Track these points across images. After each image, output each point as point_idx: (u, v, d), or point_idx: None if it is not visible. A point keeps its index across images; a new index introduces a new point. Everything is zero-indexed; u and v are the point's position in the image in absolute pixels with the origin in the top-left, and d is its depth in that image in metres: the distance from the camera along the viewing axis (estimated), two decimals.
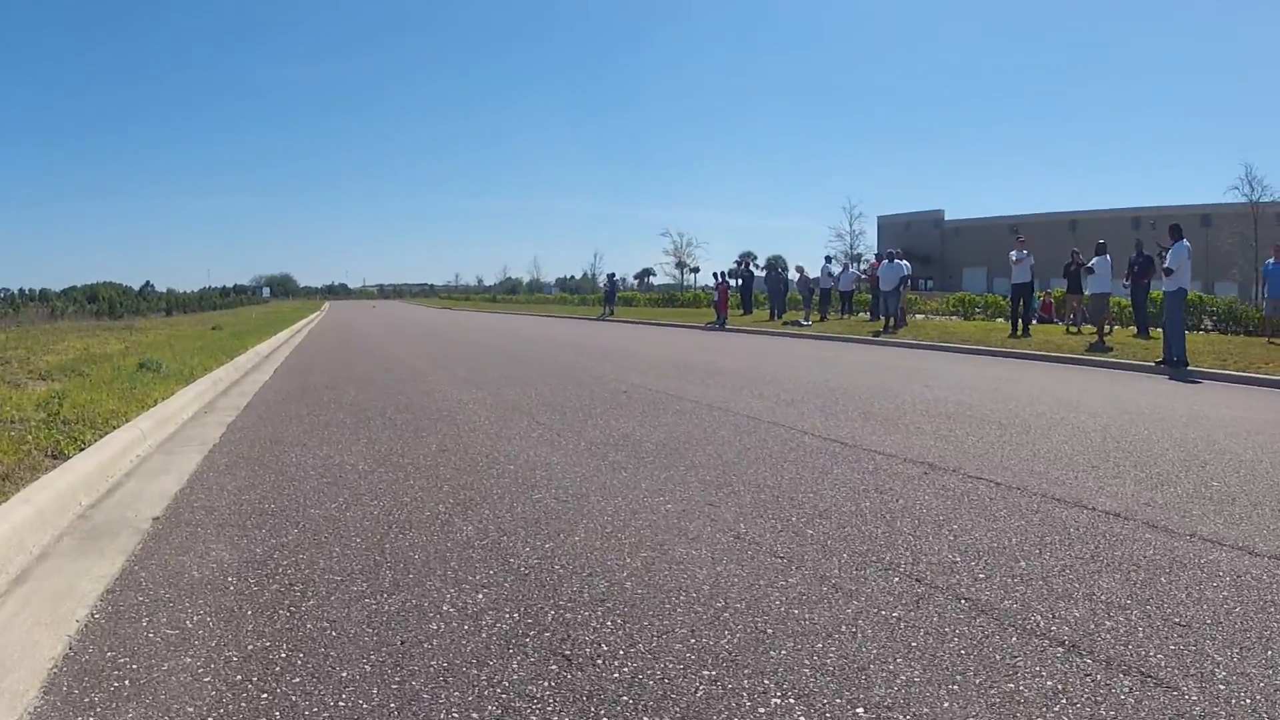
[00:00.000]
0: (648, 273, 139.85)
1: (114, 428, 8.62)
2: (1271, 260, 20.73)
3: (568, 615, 4.32)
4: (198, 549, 5.50)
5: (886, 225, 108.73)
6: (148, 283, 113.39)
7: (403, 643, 4.03)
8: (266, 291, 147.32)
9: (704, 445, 8.70)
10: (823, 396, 12.23)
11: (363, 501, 6.63)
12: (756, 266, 45.84)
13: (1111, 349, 18.86)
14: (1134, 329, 22.12)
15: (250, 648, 3.99)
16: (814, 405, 11.37)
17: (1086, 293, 22.54)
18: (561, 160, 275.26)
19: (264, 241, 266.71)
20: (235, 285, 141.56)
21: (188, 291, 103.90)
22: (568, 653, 3.88)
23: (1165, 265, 16.46)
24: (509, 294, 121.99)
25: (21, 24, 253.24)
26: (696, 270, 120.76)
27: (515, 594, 4.64)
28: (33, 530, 5.45)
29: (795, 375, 15.40)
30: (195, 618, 4.36)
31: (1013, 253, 23.95)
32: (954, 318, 34.15)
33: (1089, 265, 21.83)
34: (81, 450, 7.32)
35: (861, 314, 35.60)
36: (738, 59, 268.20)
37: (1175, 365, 15.94)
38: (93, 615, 4.43)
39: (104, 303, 63.60)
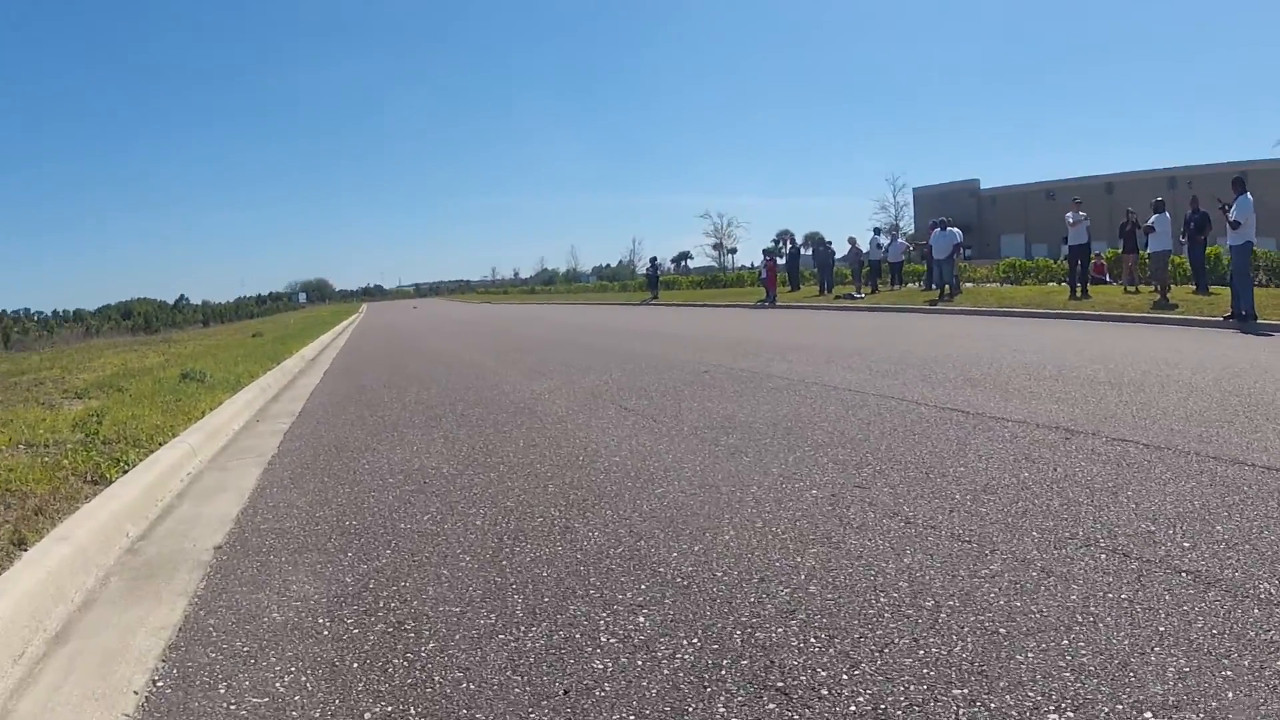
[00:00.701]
0: (685, 255, 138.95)
1: (160, 444, 7.74)
2: None
3: (759, 635, 3.45)
4: (275, 583, 4.54)
5: (922, 196, 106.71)
6: (182, 296, 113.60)
7: (566, 692, 3.11)
8: (303, 297, 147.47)
9: (819, 423, 7.82)
10: (915, 366, 11.45)
11: (459, 511, 5.67)
12: (792, 244, 44.68)
13: (1176, 306, 18.44)
14: (1193, 286, 21.34)
15: (368, 716, 3.01)
16: (912, 375, 10.60)
17: (1146, 251, 21.84)
18: (592, 154, 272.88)
19: (297, 247, 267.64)
20: (271, 292, 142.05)
21: (223, 302, 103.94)
22: (780, 684, 3.06)
23: (1232, 218, 16.06)
24: (546, 285, 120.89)
25: (31, 42, 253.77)
26: (734, 251, 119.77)
27: (683, 613, 3.72)
28: (73, 573, 4.49)
29: (875, 347, 14.57)
30: (287, 677, 3.40)
31: (1069, 215, 23.19)
32: (1005, 284, 32.95)
33: (1149, 224, 21.15)
34: (125, 473, 6.53)
35: (910, 284, 34.74)
36: (768, 41, 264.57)
37: (1244, 319, 15.55)
38: (154, 683, 3.46)
39: (139, 318, 63.38)
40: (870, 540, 4.50)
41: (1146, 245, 21.94)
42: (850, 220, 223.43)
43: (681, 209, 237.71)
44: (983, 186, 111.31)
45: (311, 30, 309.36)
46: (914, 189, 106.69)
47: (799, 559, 4.28)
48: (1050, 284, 29.82)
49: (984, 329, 17.65)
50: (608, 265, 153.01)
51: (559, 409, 9.72)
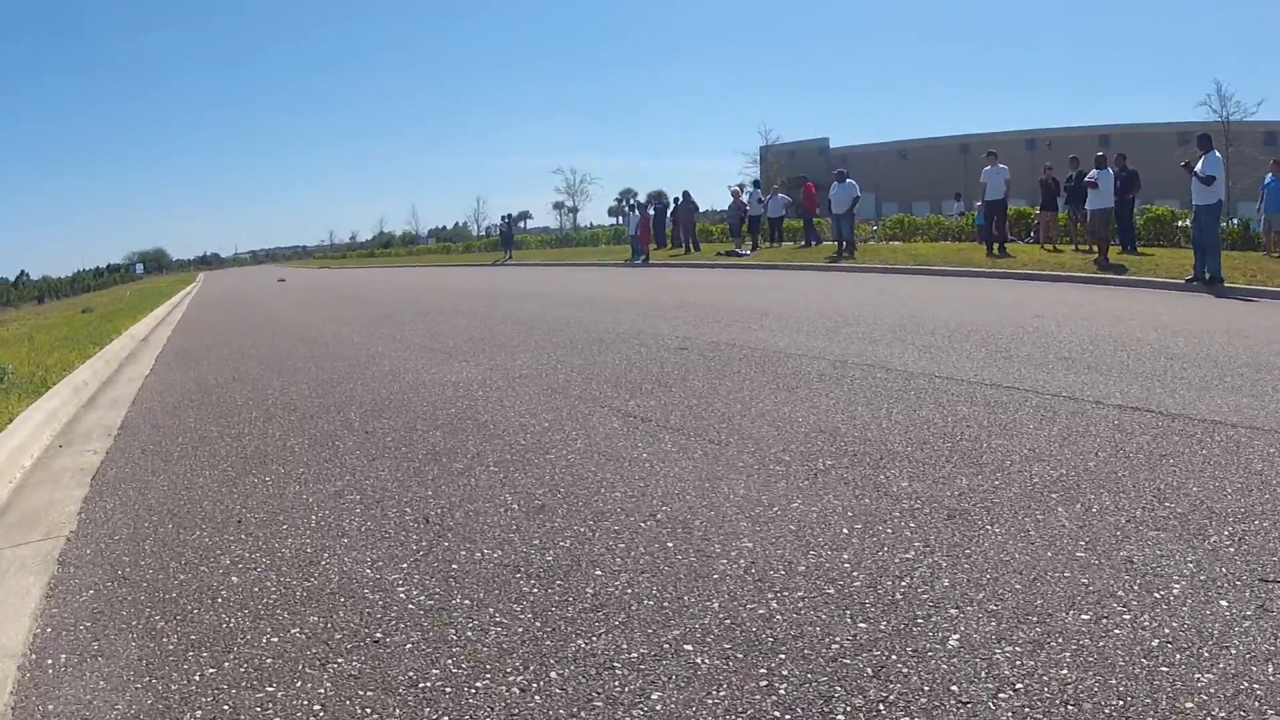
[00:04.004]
0: (525, 215, 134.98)
1: None
2: (1270, 176, 19.15)
3: None
4: None
5: (770, 155, 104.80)
6: (23, 272, 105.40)
7: None
8: (140, 268, 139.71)
9: (981, 438, 5.28)
10: (961, 337, 9.16)
11: None
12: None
13: (1125, 268, 17.27)
14: (1119, 247, 20.32)
15: None
16: (974, 351, 8.31)
17: (1087, 208, 19.94)
18: (432, 112, 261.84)
19: (134, 217, 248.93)
20: (109, 265, 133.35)
21: (61, 276, 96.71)
22: None
23: (1204, 173, 14.77)
24: (384, 248, 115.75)
25: None
26: (575, 210, 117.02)
27: None
28: None
29: (858, 311, 12.03)
30: None
31: (985, 169, 21.89)
32: (894, 242, 30.81)
33: (1093, 179, 19.25)
34: None
35: (788, 243, 32.11)
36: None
37: (1210, 283, 14.45)
38: None
39: None
40: None
41: (1083, 202, 20.15)
42: (694, 179, 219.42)
43: (521, 170, 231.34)
44: (832, 145, 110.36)
45: None
46: (760, 148, 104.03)
47: None
48: (943, 241, 28.24)
49: (937, 290, 15.43)
50: (444, 227, 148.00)
51: (518, 416, 6.52)
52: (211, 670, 3.01)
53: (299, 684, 2.86)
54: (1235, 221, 22.11)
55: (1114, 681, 2.56)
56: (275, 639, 3.18)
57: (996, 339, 8.85)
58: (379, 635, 3.15)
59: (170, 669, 3.05)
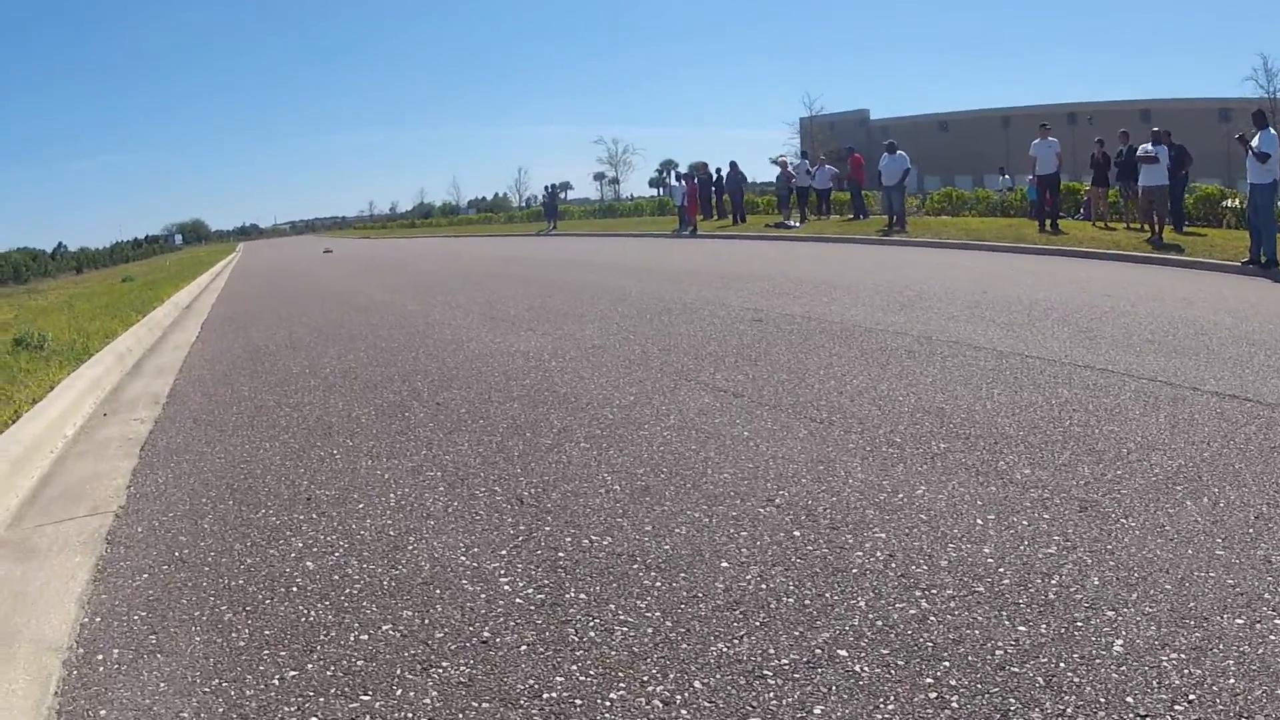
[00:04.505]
0: (566, 186, 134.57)
1: None
2: None
3: None
4: None
5: (809, 127, 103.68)
6: (60, 244, 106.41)
7: None
8: (179, 238, 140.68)
9: (1084, 426, 4.86)
10: (1037, 316, 8.68)
11: None
12: (705, 170, 40.94)
13: (1182, 248, 16.18)
14: (1171, 226, 19.34)
15: None
16: (1057, 330, 7.93)
17: (1140, 184, 19.11)
18: (472, 81, 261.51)
19: (174, 189, 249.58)
20: (148, 236, 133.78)
21: (100, 248, 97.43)
22: None
23: (1260, 149, 13.83)
24: (424, 219, 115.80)
25: None
26: (616, 182, 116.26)
27: None
28: None
29: (927, 286, 11.40)
30: None
31: (1035, 141, 20.90)
32: (943, 216, 29.90)
33: (1151, 154, 18.41)
34: None
35: (836, 215, 31.33)
36: None
37: (1266, 266, 13.69)
38: None
39: (8, 268, 57.83)
40: None
41: (1135, 178, 19.45)
42: (733, 150, 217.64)
43: (561, 140, 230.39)
44: (873, 117, 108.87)
45: None
46: (799, 119, 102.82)
47: None
48: (991, 216, 27.26)
49: (997, 265, 14.78)
50: (484, 198, 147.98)
51: (599, 388, 6.17)
52: (293, 673, 2.63)
53: (399, 692, 2.48)
54: None
55: None
56: (365, 636, 2.78)
57: (1076, 318, 8.44)
58: (487, 634, 2.76)
59: (243, 670, 2.67)
